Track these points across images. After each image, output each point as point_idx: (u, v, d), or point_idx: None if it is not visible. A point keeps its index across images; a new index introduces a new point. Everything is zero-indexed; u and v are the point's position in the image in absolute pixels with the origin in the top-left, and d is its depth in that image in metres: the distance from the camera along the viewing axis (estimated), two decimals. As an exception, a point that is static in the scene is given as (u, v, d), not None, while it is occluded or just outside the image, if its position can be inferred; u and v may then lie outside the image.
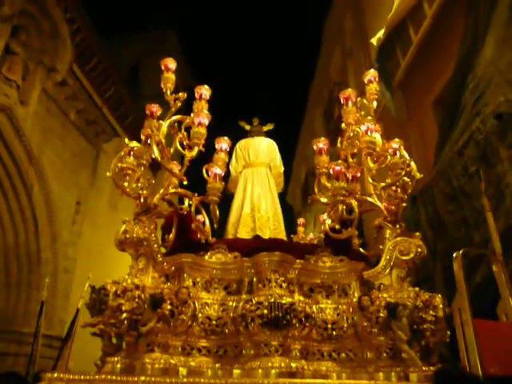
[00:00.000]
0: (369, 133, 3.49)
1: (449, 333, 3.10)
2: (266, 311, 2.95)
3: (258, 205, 4.62)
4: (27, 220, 9.70)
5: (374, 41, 8.47)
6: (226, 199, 4.86)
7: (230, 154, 4.66)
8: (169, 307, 3.00)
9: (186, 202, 3.99)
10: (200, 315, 3.16)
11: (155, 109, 3.74)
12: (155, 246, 3.27)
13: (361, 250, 3.82)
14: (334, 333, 3.20)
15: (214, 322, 3.17)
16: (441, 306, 3.05)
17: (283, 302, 3.00)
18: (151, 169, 8.63)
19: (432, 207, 6.26)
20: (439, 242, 5.93)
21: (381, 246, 3.60)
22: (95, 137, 12.32)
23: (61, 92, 10.94)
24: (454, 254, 3.68)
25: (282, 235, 4.65)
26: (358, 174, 4.04)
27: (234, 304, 3.19)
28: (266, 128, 5.42)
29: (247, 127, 5.41)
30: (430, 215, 6.33)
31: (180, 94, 3.76)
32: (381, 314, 3.06)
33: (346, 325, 3.21)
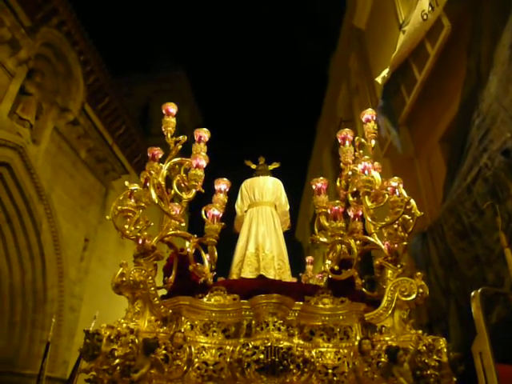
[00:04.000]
0: (366, 172, 3.46)
1: (455, 379, 2.92)
2: (262, 356, 2.84)
3: (262, 244, 4.56)
4: (35, 258, 9.73)
5: (378, 79, 8.52)
6: (233, 239, 4.83)
7: (231, 194, 4.66)
8: (163, 352, 2.92)
9: (187, 244, 3.97)
10: (196, 360, 3.05)
11: (156, 152, 3.80)
12: (152, 289, 3.22)
13: (364, 290, 3.73)
14: (335, 378, 3.05)
15: (211, 367, 3.05)
16: (445, 350, 2.87)
17: (280, 346, 2.89)
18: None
19: (442, 244, 6.10)
20: (452, 280, 5.74)
21: (385, 286, 3.49)
22: (105, 174, 12.52)
23: (72, 131, 11.22)
24: (472, 293, 3.33)
25: (287, 274, 4.57)
26: (360, 213, 4.00)
27: (231, 348, 3.08)
28: (271, 167, 5.43)
29: (253, 166, 5.42)
30: (440, 253, 6.16)
31: (180, 137, 3.82)
32: (382, 359, 2.93)
33: (347, 370, 3.06)
